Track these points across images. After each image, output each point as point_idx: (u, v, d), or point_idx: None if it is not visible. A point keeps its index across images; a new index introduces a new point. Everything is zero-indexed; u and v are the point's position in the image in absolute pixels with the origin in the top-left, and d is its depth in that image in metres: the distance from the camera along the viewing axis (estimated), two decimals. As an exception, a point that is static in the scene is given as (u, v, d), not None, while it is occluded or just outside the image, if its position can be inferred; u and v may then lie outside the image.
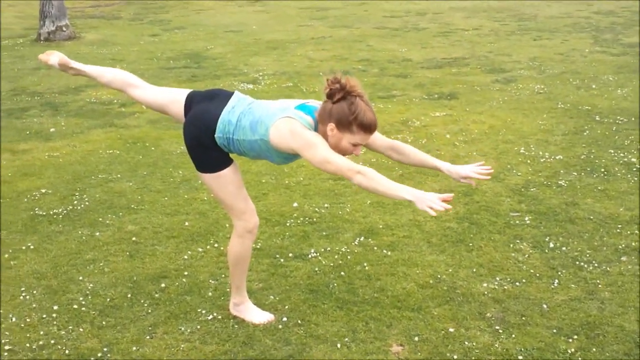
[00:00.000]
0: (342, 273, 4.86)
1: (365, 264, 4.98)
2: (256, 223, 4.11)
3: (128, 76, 4.39)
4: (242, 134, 3.80)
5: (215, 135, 3.86)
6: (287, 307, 4.45)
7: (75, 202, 6.26)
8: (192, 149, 3.98)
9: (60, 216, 5.95)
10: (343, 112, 3.61)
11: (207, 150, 3.93)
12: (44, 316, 4.39)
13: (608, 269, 4.88)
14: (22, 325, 4.30)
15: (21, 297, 4.63)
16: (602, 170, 6.75)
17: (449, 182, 6.47)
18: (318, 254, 5.15)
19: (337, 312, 4.36)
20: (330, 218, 5.80)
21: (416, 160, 4.01)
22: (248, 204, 4.08)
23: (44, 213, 6.02)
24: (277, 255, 5.15)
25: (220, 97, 3.99)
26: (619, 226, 5.55)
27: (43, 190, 6.55)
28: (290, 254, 5.16)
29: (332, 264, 5.00)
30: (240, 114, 3.85)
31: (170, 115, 4.21)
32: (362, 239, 5.40)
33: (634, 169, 6.76)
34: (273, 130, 3.68)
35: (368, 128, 3.65)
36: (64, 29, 16.44)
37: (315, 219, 5.78)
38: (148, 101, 4.27)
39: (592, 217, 5.71)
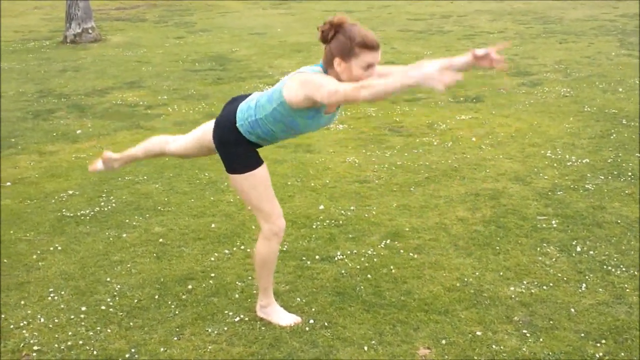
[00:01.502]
0: (369, 276, 4.85)
1: (391, 267, 4.98)
2: (282, 226, 4.12)
3: (159, 139, 4.59)
4: (262, 111, 3.84)
5: (237, 124, 3.91)
6: (313, 309, 4.45)
7: (102, 203, 6.29)
8: (220, 149, 4.03)
9: (88, 217, 5.99)
10: (342, 43, 3.64)
11: (234, 147, 3.96)
12: (72, 317, 4.42)
13: (636, 273, 4.85)
14: (51, 325, 4.33)
15: (49, 298, 4.66)
16: (629, 174, 6.71)
17: (475, 186, 6.46)
18: (344, 257, 5.15)
19: (364, 315, 4.36)
20: (356, 221, 5.80)
21: (438, 63, 3.67)
22: (275, 207, 4.08)
23: (72, 214, 6.05)
24: (304, 258, 5.15)
25: (239, 98, 4.08)
26: (647, 230, 5.52)
27: (70, 192, 6.59)
28: (317, 257, 5.16)
29: (358, 267, 4.99)
30: (258, 97, 3.92)
31: (210, 148, 4.23)
32: (388, 241, 5.40)
33: (662, 173, 6.71)
34: (286, 90, 3.72)
35: (370, 44, 3.63)
36: (90, 31, 16.56)
37: (341, 222, 5.78)
38: (187, 147, 4.38)
39: (619, 221, 5.68)
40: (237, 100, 4.05)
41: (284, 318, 4.30)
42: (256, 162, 3.99)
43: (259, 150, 4.05)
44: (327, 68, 3.74)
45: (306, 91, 3.61)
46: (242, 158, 3.97)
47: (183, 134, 4.52)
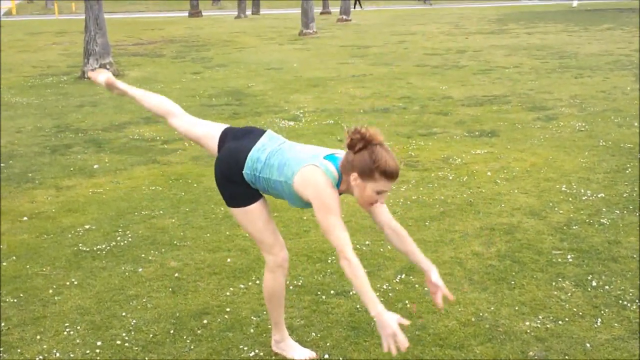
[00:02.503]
0: (384, 310, 4.85)
1: (406, 302, 4.97)
2: (285, 257, 4.14)
3: (170, 105, 4.51)
4: (269, 173, 3.86)
5: (243, 172, 3.93)
6: (328, 344, 4.45)
7: (119, 238, 6.33)
8: (222, 185, 4.06)
9: (104, 252, 6.02)
10: (365, 162, 3.63)
11: (235, 185, 3.99)
12: (88, 352, 4.43)
13: (652, 308, 4.84)
14: (66, 360, 4.35)
15: (65, 333, 4.68)
16: (646, 208, 6.70)
17: (490, 220, 6.46)
18: (359, 291, 5.15)
19: (379, 350, 4.34)
20: (371, 255, 5.80)
21: (411, 251, 4.01)
22: (277, 238, 4.11)
23: (88, 249, 6.09)
24: (319, 292, 5.16)
25: (253, 135, 4.06)
26: (663, 265, 5.50)
27: (87, 226, 6.63)
28: (332, 291, 5.17)
29: (373, 302, 4.99)
30: (269, 153, 3.91)
31: (204, 148, 4.31)
32: (403, 276, 5.40)
33: (678, 208, 6.69)
34: (298, 177, 3.74)
35: (390, 175, 3.65)
36: (108, 66, 16.71)
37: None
38: (185, 131, 4.37)
39: (635, 256, 5.66)
40: (250, 137, 4.05)
41: (299, 353, 4.30)
42: (255, 197, 4.03)
43: None
44: (343, 174, 3.75)
45: (312, 199, 3.68)
46: (242, 194, 4.01)
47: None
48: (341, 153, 3.86)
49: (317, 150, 3.90)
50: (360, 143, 3.66)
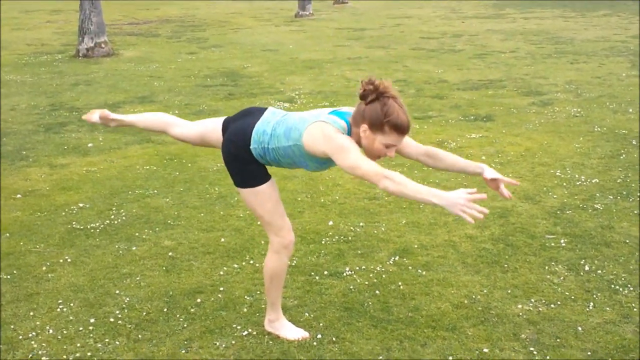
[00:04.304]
0: (377, 292, 4.87)
1: (400, 283, 4.99)
2: (292, 240, 4.14)
3: (166, 117, 4.53)
4: (276, 142, 3.83)
5: (251, 147, 3.90)
6: (321, 324, 4.46)
7: (113, 216, 6.32)
8: (230, 164, 4.03)
9: (98, 230, 6.02)
10: (376, 113, 3.60)
11: (244, 164, 3.96)
12: (81, 329, 4.44)
13: (644, 292, 4.86)
14: (59, 337, 4.35)
15: (58, 310, 4.68)
16: (638, 194, 6.71)
17: (484, 204, 6.45)
18: (353, 272, 5.16)
19: (372, 331, 4.37)
20: (365, 237, 5.81)
21: (452, 164, 3.96)
22: (285, 221, 4.10)
23: (82, 227, 6.09)
24: (313, 273, 5.17)
25: (255, 113, 4.05)
26: (656, 250, 5.52)
27: (81, 205, 6.63)
28: (326, 272, 5.18)
29: (366, 283, 5.01)
30: (275, 124, 3.89)
31: (212, 145, 4.25)
32: (397, 258, 5.41)
33: (672, 194, 6.71)
34: (306, 135, 3.71)
35: (400, 129, 3.62)
36: (103, 45, 16.65)
37: (350, 238, 5.79)
38: (188, 136, 4.35)
39: (627, 241, 5.68)
40: (252, 115, 4.03)
41: (291, 332, 4.32)
42: (264, 178, 4.01)
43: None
44: (353, 126, 3.72)
45: (327, 148, 3.61)
46: (251, 174, 3.98)
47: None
48: (346, 108, 3.84)
49: (320, 110, 3.88)
50: (372, 94, 3.63)
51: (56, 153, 8.43)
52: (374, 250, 5.57)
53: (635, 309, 4.61)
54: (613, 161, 7.81)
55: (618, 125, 9.43)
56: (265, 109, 4.08)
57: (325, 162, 3.80)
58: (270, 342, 4.26)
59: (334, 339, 4.29)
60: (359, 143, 3.69)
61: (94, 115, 4.61)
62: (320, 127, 3.67)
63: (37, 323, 4.51)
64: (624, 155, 8.01)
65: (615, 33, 19.65)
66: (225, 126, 4.11)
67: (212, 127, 4.19)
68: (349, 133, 3.72)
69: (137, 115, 4.65)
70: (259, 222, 4.29)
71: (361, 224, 6.08)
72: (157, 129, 4.53)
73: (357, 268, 5.23)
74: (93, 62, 15.87)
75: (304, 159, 3.83)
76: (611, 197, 6.66)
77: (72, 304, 4.75)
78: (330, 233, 5.89)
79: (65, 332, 4.40)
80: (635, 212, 6.26)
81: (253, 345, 4.23)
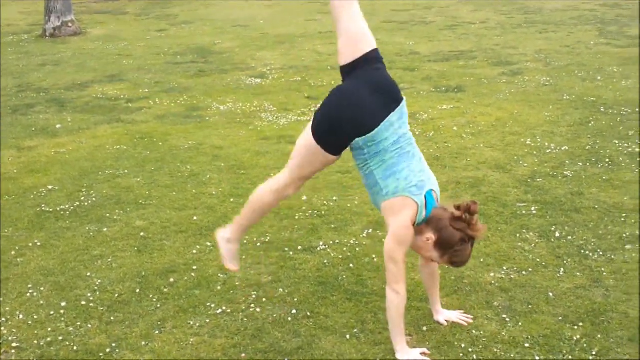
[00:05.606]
0: (351, 265, 4.87)
1: (373, 256, 4.99)
2: (290, 194, 4.00)
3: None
4: (376, 166, 3.73)
5: (357, 138, 3.72)
6: (296, 299, 4.46)
7: (83, 198, 6.27)
8: (325, 123, 3.79)
9: (68, 212, 5.97)
10: (451, 241, 3.69)
11: (335, 133, 3.76)
12: (52, 313, 4.41)
13: (613, 257, 4.89)
14: (30, 322, 4.31)
15: (28, 294, 4.64)
16: (607, 160, 6.75)
17: (456, 174, 6.48)
18: (327, 247, 5.16)
19: (346, 304, 4.37)
20: (338, 211, 5.80)
21: (430, 286, 4.21)
22: (303, 183, 3.99)
23: (51, 210, 6.03)
24: (286, 249, 5.16)
25: (387, 99, 3.81)
26: (624, 215, 5.56)
27: (50, 187, 6.56)
28: (299, 247, 5.17)
29: (340, 257, 5.00)
30: (390, 144, 3.72)
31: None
32: (370, 231, 5.41)
33: (638, 159, 6.75)
34: (394, 200, 3.69)
35: (454, 265, 3.84)
36: (70, 24, 16.45)
37: (323, 212, 5.78)
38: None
39: (597, 207, 5.71)
40: (383, 99, 3.79)
41: (230, 259, 4.20)
42: (339, 151, 3.83)
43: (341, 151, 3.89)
44: (426, 225, 3.75)
45: (392, 224, 3.73)
46: (332, 141, 3.78)
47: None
48: (435, 194, 3.80)
49: (427, 175, 3.79)
50: (463, 224, 3.69)
51: (24, 135, 8.33)
52: (348, 223, 5.56)
53: (604, 274, 4.65)
54: (582, 128, 7.84)
55: (587, 92, 9.46)
56: (399, 100, 3.86)
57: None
58: (245, 319, 4.25)
59: (308, 313, 4.29)
60: (417, 231, 3.76)
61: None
62: (405, 208, 3.69)
63: (7, 309, 4.46)
64: (592, 123, 8.04)
65: (584, 2, 19.68)
66: (367, 60, 4.02)
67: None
68: (422, 222, 3.76)
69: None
70: (290, 159, 3.92)
71: (334, 198, 6.07)
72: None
73: (331, 242, 5.23)
74: (60, 41, 15.68)
75: (376, 201, 3.86)
76: (580, 164, 6.69)
77: (42, 288, 4.71)
78: (304, 208, 5.87)
79: (35, 317, 4.36)
80: (604, 178, 6.30)
81: (227, 323, 4.22)
